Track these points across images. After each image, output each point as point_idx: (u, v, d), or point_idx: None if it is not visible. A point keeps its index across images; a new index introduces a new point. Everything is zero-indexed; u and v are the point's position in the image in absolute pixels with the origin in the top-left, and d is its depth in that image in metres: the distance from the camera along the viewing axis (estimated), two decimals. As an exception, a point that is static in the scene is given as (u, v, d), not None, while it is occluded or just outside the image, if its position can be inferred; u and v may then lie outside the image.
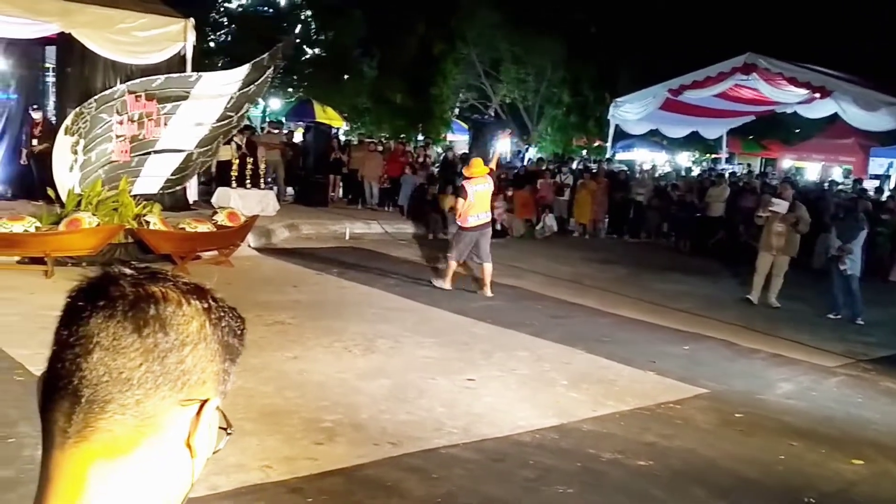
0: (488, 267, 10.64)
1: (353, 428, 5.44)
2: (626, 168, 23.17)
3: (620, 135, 24.65)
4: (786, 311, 11.40)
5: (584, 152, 28.76)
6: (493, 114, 30.74)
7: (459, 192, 10.88)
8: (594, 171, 20.79)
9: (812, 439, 6.16)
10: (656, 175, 23.09)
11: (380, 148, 20.75)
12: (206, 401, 0.85)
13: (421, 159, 20.37)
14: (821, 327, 10.57)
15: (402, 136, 27.10)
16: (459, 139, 31.92)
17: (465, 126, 31.58)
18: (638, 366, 7.72)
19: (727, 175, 21.52)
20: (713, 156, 30.77)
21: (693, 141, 28.33)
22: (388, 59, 28.45)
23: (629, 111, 22.06)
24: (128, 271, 0.86)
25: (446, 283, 10.78)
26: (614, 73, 26.91)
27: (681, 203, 18.80)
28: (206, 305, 0.86)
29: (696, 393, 7.07)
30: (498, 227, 17.08)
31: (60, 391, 0.81)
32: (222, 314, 0.88)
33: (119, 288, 0.83)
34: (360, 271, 11.49)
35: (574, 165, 23.61)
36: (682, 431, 6.03)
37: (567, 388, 6.83)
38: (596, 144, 28.60)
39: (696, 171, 26.29)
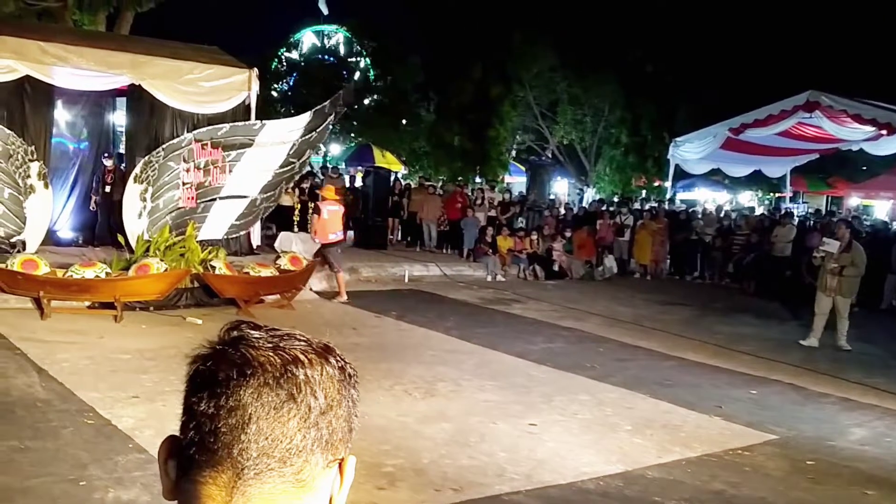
0: (343, 276, 12.40)
1: (414, 473, 5.42)
2: (686, 208, 22.88)
3: (681, 174, 24.41)
4: (855, 353, 11.02)
5: (644, 192, 28.50)
6: (550, 155, 30.80)
7: (316, 210, 12.55)
8: (655, 211, 20.57)
9: (888, 488, 5.90)
10: (719, 215, 22.72)
11: (438, 191, 20.94)
12: (346, 458, 0.86)
13: (479, 201, 20.46)
14: (894, 370, 10.18)
15: (459, 178, 27.30)
16: (517, 181, 32.02)
17: (522, 168, 31.69)
18: (703, 411, 7.53)
19: (794, 214, 21.06)
20: (777, 195, 30.20)
21: (756, 180, 27.87)
22: (446, 103, 28.81)
23: (689, 150, 21.84)
24: (256, 333, 0.85)
25: (343, 297, 12.03)
26: (673, 112, 26.76)
27: (745, 243, 18.44)
28: (340, 364, 0.87)
29: (764, 439, 6.86)
30: (556, 268, 17.05)
31: (217, 463, 0.80)
32: (351, 370, 0.88)
33: (261, 353, 0.82)
34: (419, 314, 11.52)
35: (636, 206, 23.39)
36: (752, 479, 5.85)
37: (631, 433, 6.70)
38: (656, 184, 28.33)
39: (759, 211, 25.79)
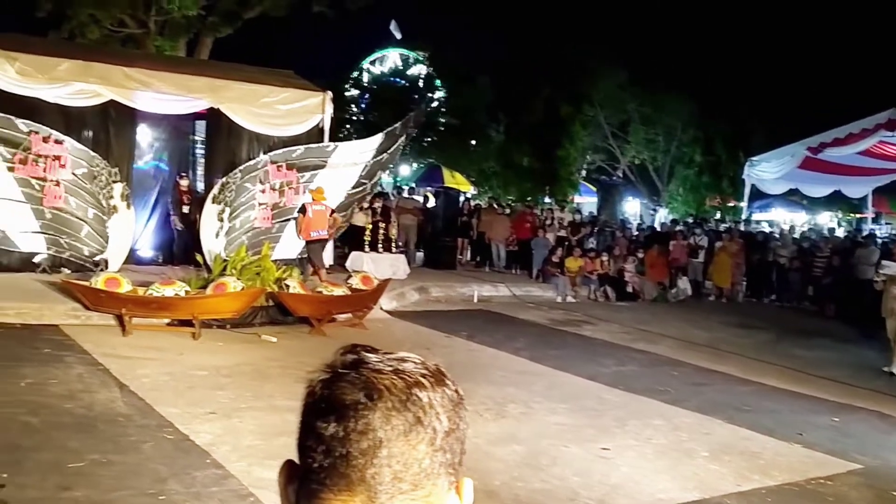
0: (323, 273, 12.80)
1: (486, 495, 5.38)
2: (764, 229, 22.32)
3: (757, 194, 23.84)
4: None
5: (718, 213, 27.92)
6: (621, 175, 30.49)
7: (302, 210, 12.92)
8: (730, 232, 20.11)
9: None
10: (797, 236, 22.09)
11: (507, 211, 20.92)
12: (462, 481, 0.86)
13: (549, 221, 20.36)
14: None
15: (528, 198, 27.23)
16: (587, 201, 31.77)
17: (593, 188, 31.43)
18: (783, 437, 7.29)
19: (876, 236, 20.34)
20: (858, 215, 29.22)
21: (835, 200, 27.01)
22: (515, 123, 28.85)
23: (766, 170, 21.34)
24: (374, 357, 0.86)
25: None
26: (748, 131, 26.21)
27: (826, 265, 17.86)
28: (454, 387, 0.87)
29: (848, 468, 6.59)
30: (628, 289, 16.80)
31: (349, 488, 0.80)
32: (461, 392, 0.89)
33: (384, 377, 0.83)
34: (488, 334, 11.49)
35: (711, 226, 22.92)
36: (837, 511, 5.62)
37: (708, 459, 6.52)
38: (731, 204, 27.73)
39: (839, 232, 24.98)
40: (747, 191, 22.35)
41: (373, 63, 36.23)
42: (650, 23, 25.60)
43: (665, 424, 7.45)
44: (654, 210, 30.33)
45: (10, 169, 11.73)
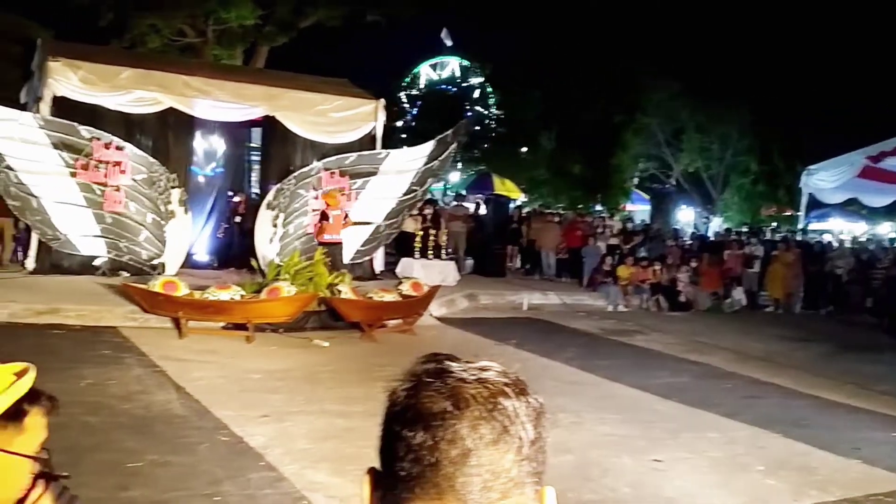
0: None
1: (536, 504, 5.34)
2: (821, 239, 21.83)
3: (814, 204, 23.31)
4: None
5: (775, 223, 27.39)
6: (674, 183, 30.13)
7: (324, 216, 12.94)
8: (787, 242, 19.70)
9: None
10: (856, 247, 21.55)
11: (556, 219, 20.81)
12: (544, 490, 0.86)
13: (600, 229, 20.20)
14: None
15: (579, 206, 27.06)
16: (640, 209, 31.46)
17: (646, 196, 31.12)
18: (841, 453, 7.11)
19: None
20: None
21: (896, 210, 26.31)
22: (566, 131, 28.72)
23: (823, 179, 20.84)
24: (457, 365, 0.86)
25: None
26: (805, 139, 25.68)
27: (886, 277, 17.38)
28: (534, 396, 0.87)
29: (910, 486, 6.40)
30: (681, 299, 16.57)
31: (438, 496, 0.80)
32: (542, 402, 0.88)
33: (469, 386, 0.83)
34: (538, 342, 11.42)
35: (766, 236, 22.50)
36: (899, 530, 5.47)
37: (763, 474, 6.39)
38: (787, 214, 27.18)
39: (900, 242, 24.29)
40: (804, 200, 21.85)
41: (424, 71, 36.45)
42: (705, 32, 25.26)
43: (719, 437, 7.33)
44: (708, 219, 29.89)
45: (73, 174, 12.07)
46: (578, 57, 27.02)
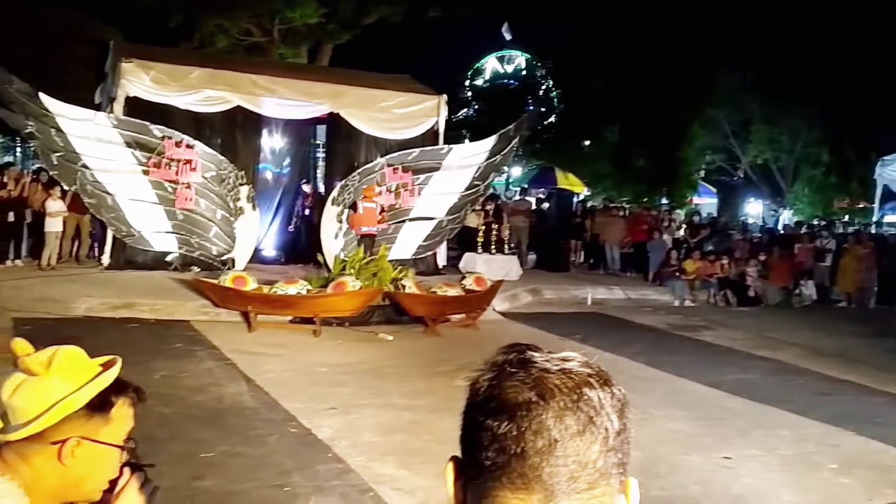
0: None
1: (602, 500, 5.31)
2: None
3: (889, 195, 22.53)
4: None
5: (847, 216, 26.57)
6: (741, 175, 29.48)
7: (353, 207, 13.13)
8: (859, 234, 19.08)
9: None
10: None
11: (621, 213, 20.57)
12: (628, 481, 0.87)
13: (666, 223, 19.89)
14: None
15: (644, 199, 26.69)
16: (706, 202, 30.87)
17: (713, 189, 30.52)
18: (920, 453, 6.87)
19: None
20: None
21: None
22: (631, 124, 28.32)
23: (899, 169, 20.13)
24: (539, 356, 0.86)
25: None
26: (880, 129, 24.82)
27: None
28: (618, 387, 0.87)
29: None
30: (751, 293, 16.22)
31: (525, 486, 0.81)
32: (625, 393, 0.88)
33: (553, 376, 0.83)
34: (603, 338, 11.30)
35: (839, 229, 21.83)
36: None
37: (836, 472, 6.22)
38: (861, 206, 26.34)
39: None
40: (879, 192, 21.13)
41: (490, 64, 36.40)
42: (773, 20, 24.62)
43: (790, 435, 7.16)
44: (776, 211, 29.17)
45: (145, 172, 12.43)
46: (643, 48, 26.60)
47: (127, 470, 1.51)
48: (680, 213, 26.44)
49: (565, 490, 0.80)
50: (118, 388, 1.48)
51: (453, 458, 0.88)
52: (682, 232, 20.07)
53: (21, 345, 1.45)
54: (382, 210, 13.25)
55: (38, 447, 1.40)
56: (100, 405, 1.45)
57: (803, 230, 20.14)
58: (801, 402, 8.43)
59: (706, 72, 25.80)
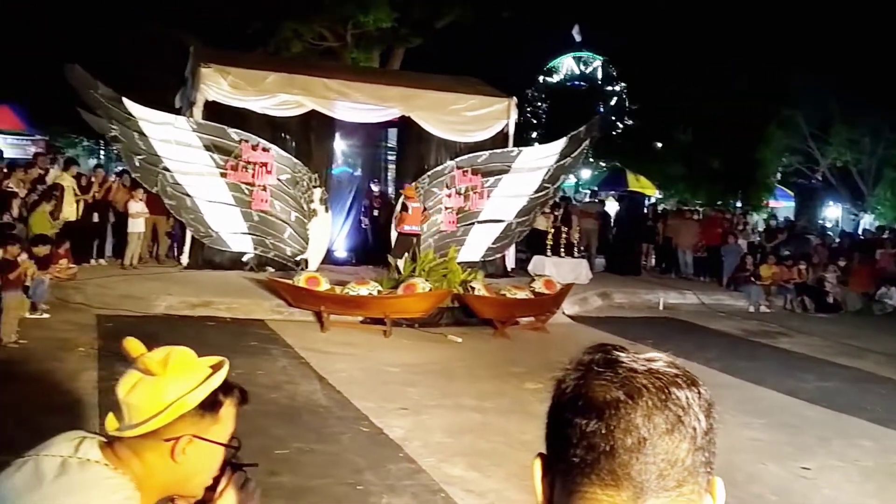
0: (392, 260, 12.62)
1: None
2: None
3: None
4: None
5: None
6: (820, 178, 28.59)
7: (404, 208, 13.11)
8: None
9: None
10: None
11: (694, 216, 20.19)
12: (714, 480, 0.87)
13: (741, 227, 19.44)
14: None
15: (718, 202, 26.12)
16: (783, 205, 30.07)
17: (790, 192, 29.71)
18: None
19: None
20: None
21: None
22: (704, 125, 27.74)
23: None
24: (625, 355, 0.88)
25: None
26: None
27: None
28: (704, 387, 0.88)
29: None
30: (829, 299, 15.75)
31: (613, 483, 0.82)
32: (710, 393, 0.88)
33: (640, 376, 0.84)
34: (675, 343, 11.10)
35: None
36: None
37: (923, 487, 6.01)
38: (948, 210, 25.28)
39: None
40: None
41: (566, 64, 36.22)
42: (853, 17, 23.79)
43: (873, 445, 6.94)
44: (857, 216, 28.19)
45: (223, 175, 12.75)
46: (718, 46, 26.04)
47: (228, 470, 1.55)
48: (755, 217, 25.81)
49: (654, 488, 0.81)
50: (226, 388, 1.53)
51: (540, 455, 0.90)
52: (757, 236, 19.56)
53: (134, 344, 1.51)
54: (425, 209, 13.35)
55: (152, 443, 1.46)
56: (210, 405, 1.50)
57: (885, 235, 19.42)
58: (883, 411, 8.16)
59: (783, 70, 25.10)
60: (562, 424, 0.86)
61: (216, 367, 1.55)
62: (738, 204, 26.69)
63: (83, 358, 7.75)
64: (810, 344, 12.02)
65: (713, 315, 14.37)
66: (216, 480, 1.54)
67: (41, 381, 7.04)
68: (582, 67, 36.56)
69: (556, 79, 36.28)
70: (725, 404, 7.90)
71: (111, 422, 1.50)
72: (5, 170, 12.76)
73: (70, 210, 12.16)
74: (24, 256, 8.81)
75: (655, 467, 0.81)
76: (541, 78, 35.70)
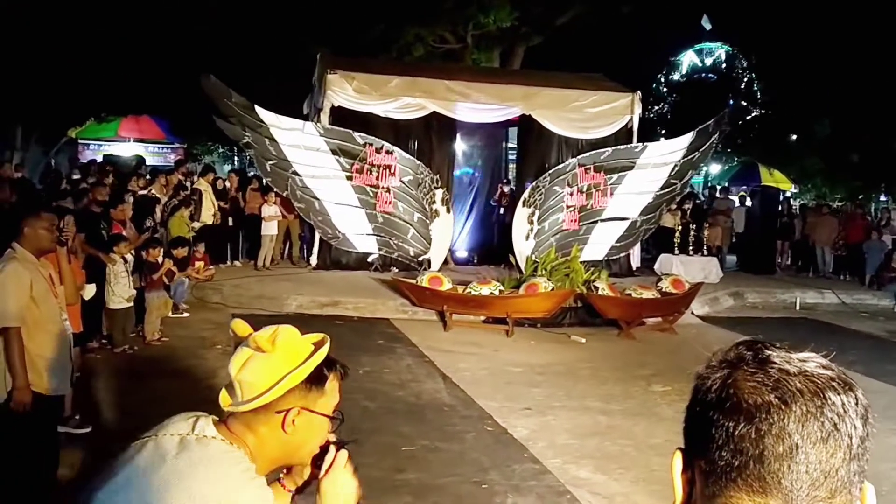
0: None
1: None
2: None
3: None
4: None
5: None
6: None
7: None
8: None
9: None
10: None
11: (834, 212, 19.13)
12: (865, 487, 0.83)
13: (884, 222, 18.29)
14: None
15: (860, 197, 24.67)
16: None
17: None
18: None
19: None
20: None
21: None
22: (844, 116, 26.25)
23: None
24: (777, 355, 0.84)
25: None
26: None
27: None
28: (860, 391, 0.83)
29: None
30: None
31: (762, 490, 0.79)
32: (866, 397, 0.84)
33: (793, 378, 0.81)
34: (814, 345, 10.55)
35: None
36: None
37: None
38: None
39: None
40: None
41: (688, 58, 35.18)
42: None
43: None
44: None
45: (349, 178, 13.09)
46: (857, 31, 24.58)
47: (332, 448, 1.61)
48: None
49: (804, 498, 0.77)
50: (329, 363, 1.62)
51: (679, 451, 0.87)
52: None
53: (242, 325, 1.63)
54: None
55: (264, 417, 1.55)
56: (317, 379, 1.59)
57: None
58: None
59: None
60: (706, 423, 0.83)
61: (318, 345, 1.62)
62: (882, 198, 25.12)
63: (221, 355, 8.12)
64: (966, 347, 11.17)
65: (855, 315, 13.58)
66: (320, 458, 1.61)
67: (184, 377, 7.44)
68: (710, 59, 35.29)
69: (682, 72, 35.21)
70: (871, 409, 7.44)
71: (225, 398, 1.59)
72: (148, 176, 13.54)
73: (207, 214, 12.78)
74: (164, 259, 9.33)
75: (808, 476, 0.77)
76: (666, 72, 34.72)
